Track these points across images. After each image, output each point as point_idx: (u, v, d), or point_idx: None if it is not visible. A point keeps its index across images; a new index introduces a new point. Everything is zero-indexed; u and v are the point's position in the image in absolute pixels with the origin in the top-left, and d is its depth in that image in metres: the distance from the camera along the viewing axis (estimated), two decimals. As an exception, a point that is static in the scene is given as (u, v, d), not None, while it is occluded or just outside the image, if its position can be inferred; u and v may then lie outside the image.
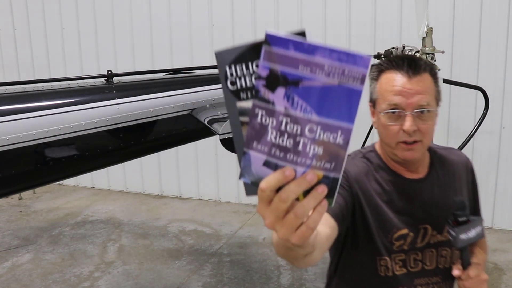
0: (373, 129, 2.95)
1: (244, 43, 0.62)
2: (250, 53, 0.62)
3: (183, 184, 5.62)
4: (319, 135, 0.59)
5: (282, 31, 0.58)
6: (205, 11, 5.13)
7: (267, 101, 0.59)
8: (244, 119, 0.63)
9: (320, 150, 0.59)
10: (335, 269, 1.49)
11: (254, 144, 0.61)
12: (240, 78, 0.64)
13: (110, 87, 2.64)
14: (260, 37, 0.58)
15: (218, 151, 5.15)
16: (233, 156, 4.00)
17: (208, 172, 5.45)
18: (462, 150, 1.68)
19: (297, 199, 0.61)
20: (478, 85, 3.25)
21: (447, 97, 4.26)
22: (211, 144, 4.90)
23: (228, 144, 2.43)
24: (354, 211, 1.35)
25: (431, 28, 2.75)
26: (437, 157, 1.47)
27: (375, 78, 1.37)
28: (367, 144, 2.73)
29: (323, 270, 4.23)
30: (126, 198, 5.64)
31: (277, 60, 0.58)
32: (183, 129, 2.87)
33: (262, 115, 0.60)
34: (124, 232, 4.68)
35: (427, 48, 2.76)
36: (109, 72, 2.69)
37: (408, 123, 1.28)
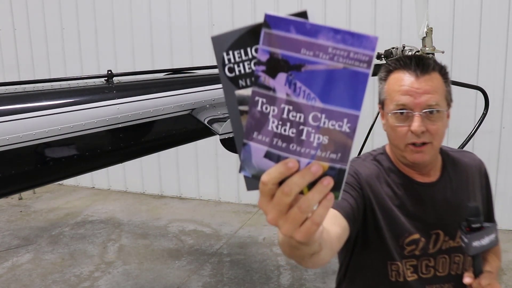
0: (372, 130, 2.95)
1: (242, 27, 0.58)
2: (248, 37, 0.58)
3: (183, 184, 5.62)
4: (324, 123, 0.55)
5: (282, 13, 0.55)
6: (205, 11, 5.13)
7: (267, 88, 0.56)
8: (243, 108, 0.60)
9: (325, 140, 0.56)
10: (344, 273, 1.45)
11: (255, 134, 0.57)
12: (238, 64, 0.60)
13: (110, 87, 2.64)
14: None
15: (218, 151, 5.15)
16: (233, 156, 4.00)
17: (208, 172, 5.45)
18: None
19: (301, 192, 0.57)
20: (478, 85, 3.24)
21: (447, 97, 4.26)
22: (211, 144, 4.90)
23: (228, 144, 2.42)
24: (365, 214, 1.31)
25: (431, 28, 2.75)
26: (449, 160, 1.43)
27: (383, 79, 1.34)
28: (365, 148, 2.72)
29: (323, 270, 4.23)
30: (126, 198, 5.64)
31: (278, 43, 0.54)
32: (183, 129, 2.86)
33: (262, 103, 0.56)
34: (124, 232, 4.68)
35: (427, 48, 2.75)
36: (109, 72, 2.69)
37: (416, 124, 1.24)
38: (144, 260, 4.08)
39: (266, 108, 0.56)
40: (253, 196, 4.28)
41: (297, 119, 0.56)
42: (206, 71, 3.11)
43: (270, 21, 0.54)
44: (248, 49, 0.59)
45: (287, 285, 3.65)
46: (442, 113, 1.28)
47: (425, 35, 2.75)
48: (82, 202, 5.55)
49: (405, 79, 1.27)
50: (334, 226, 1.06)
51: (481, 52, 4.39)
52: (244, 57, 0.59)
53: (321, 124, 0.55)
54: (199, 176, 5.53)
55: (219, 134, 2.47)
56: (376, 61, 2.83)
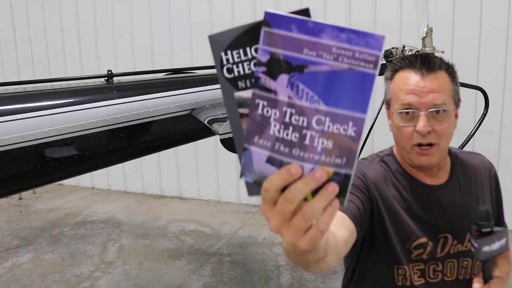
0: (372, 131, 2.95)
1: (241, 25, 0.55)
2: (248, 36, 0.55)
3: (183, 184, 5.62)
4: (328, 126, 0.52)
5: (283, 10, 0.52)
6: (205, 11, 5.13)
7: (268, 90, 0.53)
8: (243, 111, 0.56)
9: (329, 144, 0.53)
10: (351, 276, 1.42)
11: (256, 138, 0.54)
12: (237, 65, 0.56)
13: (110, 87, 2.64)
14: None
15: (218, 151, 5.15)
16: (233, 156, 4.00)
17: (208, 172, 5.45)
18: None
19: (305, 199, 0.54)
20: (478, 85, 3.24)
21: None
22: (211, 144, 4.90)
23: (228, 144, 2.42)
24: (372, 216, 1.28)
25: (431, 28, 2.75)
26: (458, 162, 1.40)
27: (389, 78, 1.32)
28: (365, 148, 2.71)
29: (323, 270, 4.21)
30: (126, 198, 5.64)
31: (279, 43, 0.51)
32: (183, 129, 2.86)
33: (263, 106, 0.53)
34: (124, 232, 4.68)
35: (427, 48, 2.75)
36: (109, 72, 2.69)
37: (421, 123, 1.21)
38: (144, 260, 4.08)
39: (267, 112, 0.54)
40: (256, 197, 4.27)
41: (300, 123, 0.53)
42: (206, 71, 3.11)
43: (270, 19, 0.51)
44: (248, 49, 0.56)
45: (287, 285, 3.65)
46: (449, 112, 1.24)
47: (425, 35, 2.75)
48: (82, 202, 5.55)
49: (410, 78, 1.24)
50: (341, 229, 1.03)
51: (481, 52, 4.39)
52: (243, 57, 0.56)
53: (325, 128, 0.52)
54: (199, 176, 5.53)
55: (219, 134, 2.47)
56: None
